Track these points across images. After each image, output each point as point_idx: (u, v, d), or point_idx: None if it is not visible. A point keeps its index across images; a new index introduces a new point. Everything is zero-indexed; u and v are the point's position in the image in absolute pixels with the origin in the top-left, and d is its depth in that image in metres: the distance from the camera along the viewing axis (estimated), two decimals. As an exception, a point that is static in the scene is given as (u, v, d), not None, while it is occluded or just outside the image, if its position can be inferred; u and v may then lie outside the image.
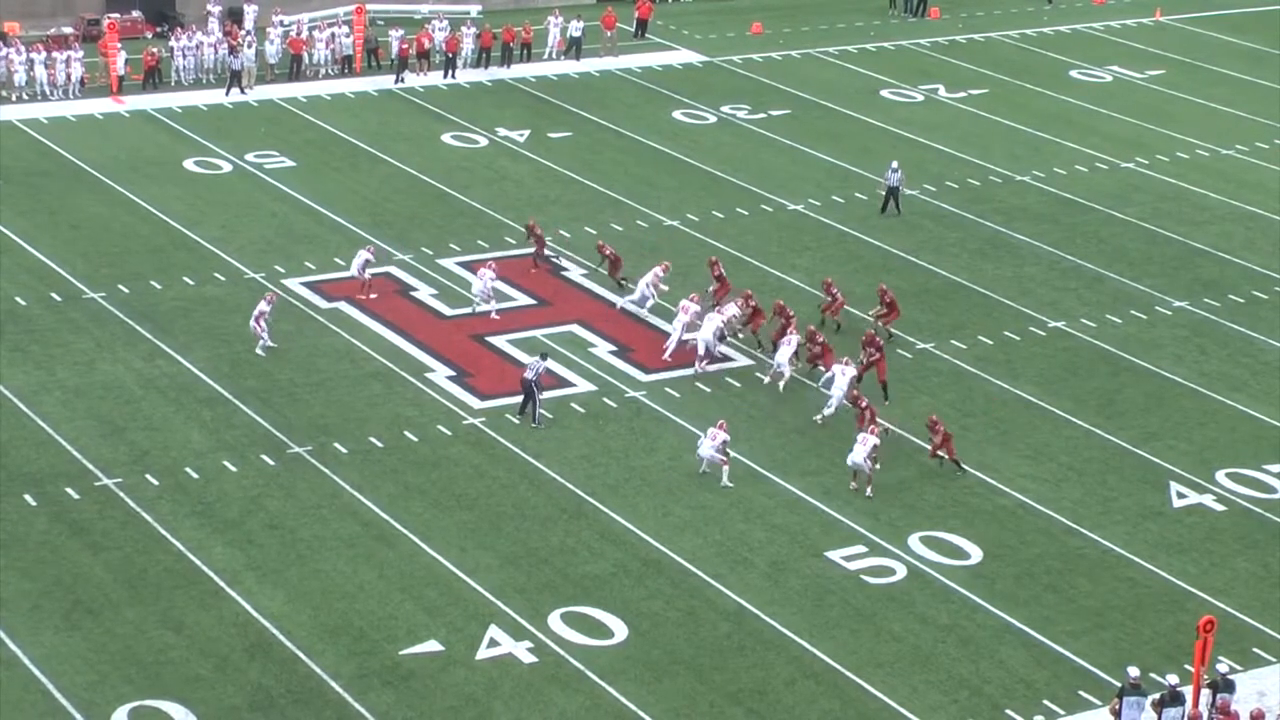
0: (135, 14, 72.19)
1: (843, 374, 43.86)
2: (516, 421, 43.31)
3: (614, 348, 47.28)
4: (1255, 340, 49.92)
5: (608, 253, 50.91)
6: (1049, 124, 66.32)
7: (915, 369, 47.27)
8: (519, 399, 43.83)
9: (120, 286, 49.73)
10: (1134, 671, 32.95)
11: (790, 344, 45.62)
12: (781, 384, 45.52)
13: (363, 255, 50.08)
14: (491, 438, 42.96)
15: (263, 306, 46.42)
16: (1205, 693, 32.88)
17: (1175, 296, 52.36)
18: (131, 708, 32.89)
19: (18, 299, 48.73)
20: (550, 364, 44.60)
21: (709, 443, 41.06)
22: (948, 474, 42.14)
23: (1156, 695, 32.60)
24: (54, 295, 49.17)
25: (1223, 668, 33.59)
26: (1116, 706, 32.17)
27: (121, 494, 39.82)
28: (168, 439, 42.24)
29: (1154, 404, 46.22)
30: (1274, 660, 35.87)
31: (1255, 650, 36.11)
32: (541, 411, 43.45)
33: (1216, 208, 59.20)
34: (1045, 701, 34.24)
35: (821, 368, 45.26)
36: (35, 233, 53.03)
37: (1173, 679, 32.92)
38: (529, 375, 43.61)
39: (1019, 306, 50.40)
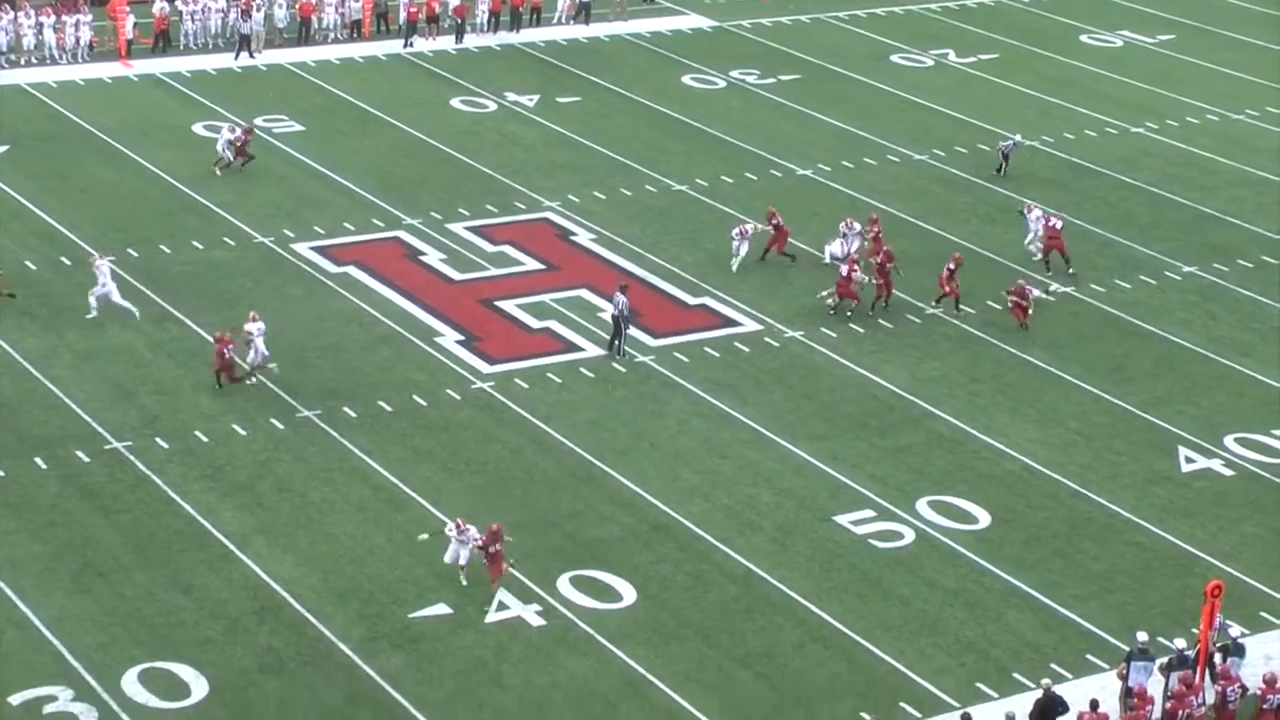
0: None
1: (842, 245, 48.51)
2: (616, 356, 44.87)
3: (628, 313, 47.26)
4: (1264, 305, 49.88)
5: (775, 222, 50.41)
6: (1059, 89, 66.14)
7: (923, 334, 47.27)
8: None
9: (129, 250, 49.77)
10: (1142, 636, 33.02)
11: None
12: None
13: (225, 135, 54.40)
14: (500, 402, 43.02)
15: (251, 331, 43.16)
16: (1217, 657, 32.94)
17: (1184, 261, 52.31)
18: (142, 669, 33.04)
19: (28, 263, 48.77)
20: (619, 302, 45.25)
21: (457, 539, 35.96)
22: (956, 439, 42.20)
23: (1164, 659, 32.67)
24: (63, 259, 49.20)
25: (1234, 631, 33.67)
26: (1124, 670, 32.26)
27: (131, 457, 39.92)
28: (177, 403, 42.33)
29: (1162, 369, 46.22)
30: (1281, 624, 36.00)
31: (1263, 614, 36.16)
32: (625, 347, 44.95)
33: (1226, 172, 59.09)
34: (1052, 665, 34.33)
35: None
36: (44, 197, 53.05)
37: (1180, 643, 33.03)
38: (614, 310, 44.94)
39: (1028, 271, 50.32)
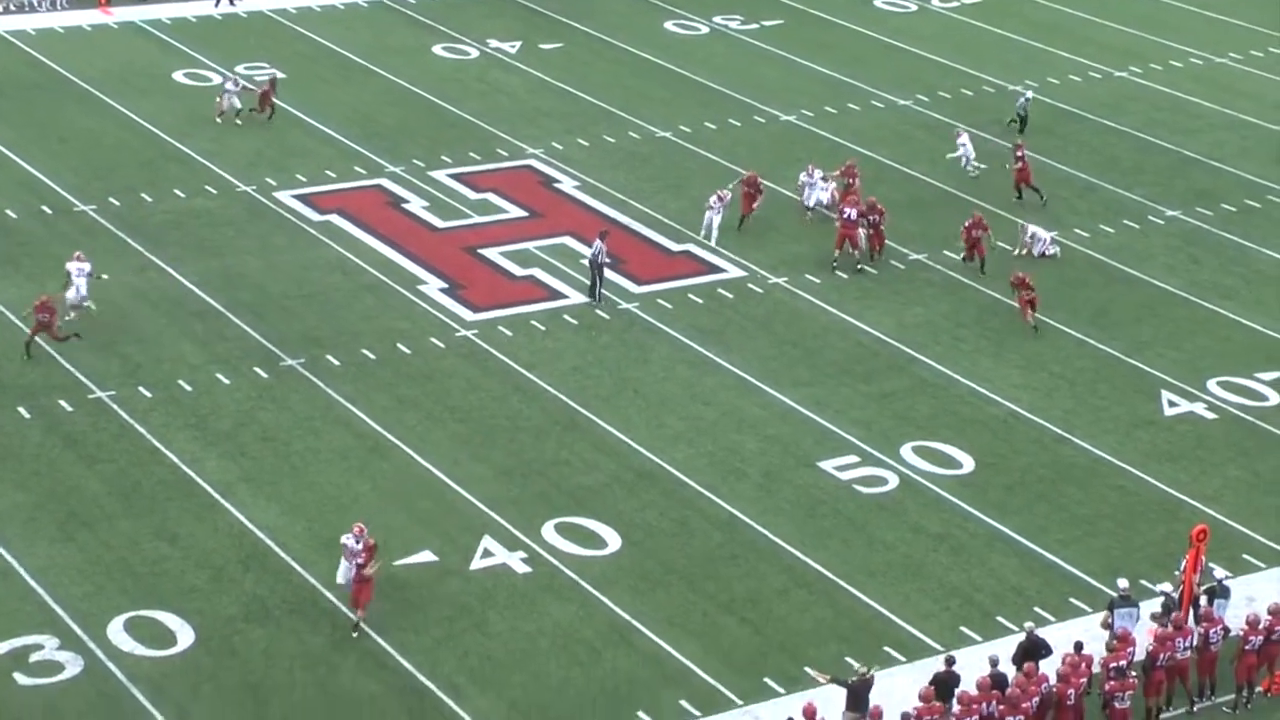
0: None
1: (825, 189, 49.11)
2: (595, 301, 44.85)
3: (607, 259, 47.15)
4: (1248, 249, 49.90)
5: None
6: (1043, 33, 65.97)
7: (908, 280, 47.26)
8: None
9: (111, 199, 49.59)
10: (1123, 583, 33.14)
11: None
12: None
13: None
14: (484, 350, 42.98)
15: None
16: (1202, 600, 33.05)
17: (1168, 206, 52.29)
18: (127, 618, 33.05)
19: (8, 212, 48.57)
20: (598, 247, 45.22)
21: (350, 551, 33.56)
22: (940, 384, 42.26)
23: (1156, 609, 32.65)
24: (45, 208, 49.02)
25: (1218, 574, 33.79)
26: (1109, 619, 32.29)
27: (115, 406, 39.86)
28: (160, 352, 42.24)
29: (1146, 313, 46.26)
30: (1263, 566, 36.08)
31: (1245, 556, 36.30)
32: (604, 292, 44.95)
33: (1210, 116, 59.03)
34: (1036, 609, 34.44)
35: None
36: (25, 145, 52.80)
37: (1166, 587, 33.18)
38: (592, 256, 44.90)
39: (1011, 216, 50.28)
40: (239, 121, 54.17)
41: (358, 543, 33.17)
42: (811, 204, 49.60)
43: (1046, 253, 48.23)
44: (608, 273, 45.50)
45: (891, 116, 57.55)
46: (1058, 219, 50.73)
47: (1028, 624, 32.41)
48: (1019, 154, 51.64)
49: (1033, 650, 31.40)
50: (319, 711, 31.00)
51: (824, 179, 50.16)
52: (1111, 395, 42.29)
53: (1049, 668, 31.02)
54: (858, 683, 30.23)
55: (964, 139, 53.65)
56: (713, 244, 47.76)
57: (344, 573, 33.38)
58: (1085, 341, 44.60)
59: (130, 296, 44.63)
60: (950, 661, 31.08)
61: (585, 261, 45.55)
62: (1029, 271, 45.56)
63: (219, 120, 54.34)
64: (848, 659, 32.69)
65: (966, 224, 47.24)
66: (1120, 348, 44.37)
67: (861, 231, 47.28)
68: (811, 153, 53.83)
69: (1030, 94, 57.31)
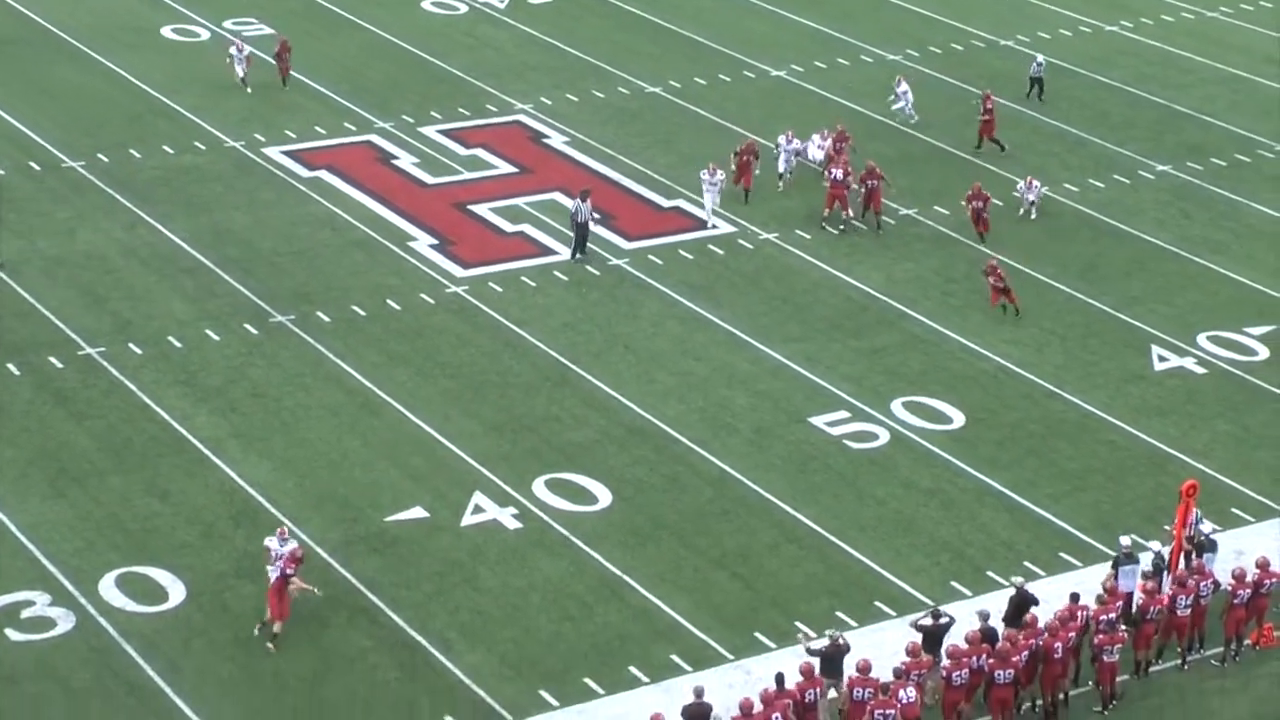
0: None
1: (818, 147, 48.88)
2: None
3: (597, 215, 47.08)
4: (1238, 204, 49.89)
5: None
6: (1033, -13, 65.81)
7: (898, 235, 47.22)
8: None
9: (99, 155, 49.43)
10: (1126, 541, 33.14)
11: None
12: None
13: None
14: (474, 306, 42.94)
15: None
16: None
17: (1158, 160, 52.25)
18: (119, 574, 33.08)
19: (-4, 169, 48.54)
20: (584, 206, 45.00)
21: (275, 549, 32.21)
22: (930, 339, 42.28)
23: (1148, 566, 32.72)
24: (33, 164, 48.87)
25: (1205, 528, 33.88)
26: (1113, 577, 32.18)
27: (105, 363, 39.81)
28: (150, 308, 42.18)
29: (1136, 268, 46.27)
30: (1253, 520, 36.16)
31: (1234, 510, 36.38)
32: (579, 256, 44.72)
33: (1201, 70, 58.92)
34: (1026, 563, 34.52)
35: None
36: (12, 101, 52.60)
37: (1155, 545, 33.27)
38: (574, 215, 44.56)
39: (1000, 171, 50.23)
40: (249, 90, 53.29)
41: (282, 545, 31.87)
42: (783, 169, 48.89)
43: (1031, 198, 47.87)
44: (595, 230, 45.39)
45: (881, 71, 57.39)
46: (1048, 174, 50.67)
47: (1016, 579, 32.46)
48: (988, 105, 51.43)
49: (1024, 606, 31.47)
50: (310, 666, 31.05)
51: (823, 138, 49.67)
52: (1101, 350, 42.32)
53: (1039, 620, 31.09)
54: (831, 649, 30.12)
55: (904, 86, 53.39)
56: (710, 225, 46.70)
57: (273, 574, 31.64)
58: (1075, 297, 44.61)
59: (120, 253, 44.54)
60: (937, 615, 31.14)
61: (570, 221, 45.38)
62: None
63: (249, 90, 53.36)
64: (839, 613, 32.78)
65: (967, 194, 46.93)
66: (1110, 303, 44.39)
67: (857, 189, 46.94)
68: (801, 108, 53.77)
69: (1043, 58, 56.43)
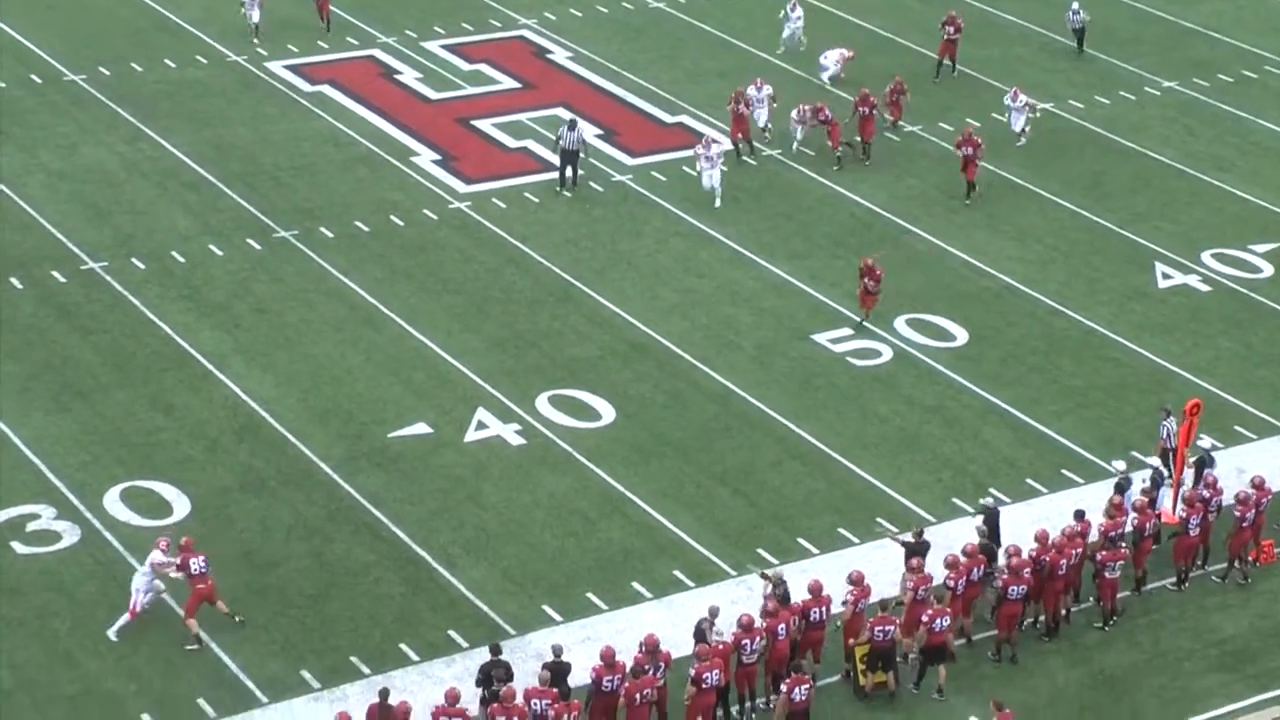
0: None
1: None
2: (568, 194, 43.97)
3: (600, 131, 46.99)
4: (1244, 120, 49.70)
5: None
6: (1040, -98, 65.27)
7: (903, 151, 47.07)
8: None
9: (101, 69, 49.23)
10: (1120, 464, 33.24)
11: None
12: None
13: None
14: (477, 221, 42.87)
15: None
16: (1189, 472, 33.25)
17: (1164, 76, 52.01)
18: (123, 488, 33.18)
19: (-2, 82, 48.36)
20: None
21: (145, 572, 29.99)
22: (935, 258, 42.21)
23: (1148, 481, 32.80)
24: (34, 77, 48.68)
25: (1204, 444, 33.95)
26: (1119, 501, 32.09)
27: (108, 277, 39.79)
28: (153, 223, 42.12)
29: (1141, 184, 46.14)
30: (1254, 437, 36.22)
31: (1236, 428, 36.43)
32: (573, 182, 44.27)
33: (1208, -13, 58.61)
34: (1028, 480, 34.61)
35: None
36: (12, 13, 52.34)
37: (1154, 461, 33.37)
38: (561, 144, 43.91)
39: (1006, 87, 49.96)
40: (255, 40, 51.41)
41: (165, 556, 29.79)
42: (763, 124, 47.03)
43: (1021, 113, 47.23)
44: (598, 144, 45.21)
45: (887, -14, 57.04)
46: (1054, 91, 50.47)
47: (985, 499, 32.57)
48: (956, 25, 50.64)
49: (996, 524, 31.60)
50: (315, 581, 31.19)
51: (800, 115, 47.44)
52: (1105, 267, 42.27)
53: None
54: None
55: (798, 11, 52.04)
56: (718, 203, 44.16)
57: (145, 587, 29.65)
58: (1079, 213, 44.52)
59: (122, 167, 44.44)
60: (920, 533, 31.20)
61: (558, 149, 44.31)
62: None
63: (256, 41, 51.30)
64: (841, 530, 32.90)
65: (957, 140, 45.28)
66: (1114, 219, 44.29)
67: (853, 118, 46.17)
68: (807, 24, 53.23)
69: (1078, 5, 53.44)
